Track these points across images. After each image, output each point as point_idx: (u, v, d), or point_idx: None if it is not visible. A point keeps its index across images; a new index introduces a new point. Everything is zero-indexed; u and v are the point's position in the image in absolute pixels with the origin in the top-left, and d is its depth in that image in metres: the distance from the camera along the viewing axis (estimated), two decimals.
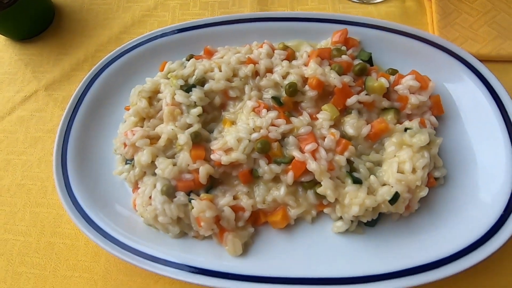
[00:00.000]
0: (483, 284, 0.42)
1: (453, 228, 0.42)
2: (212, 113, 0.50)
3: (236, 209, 0.43)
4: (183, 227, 0.45)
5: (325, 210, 0.44)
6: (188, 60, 0.53)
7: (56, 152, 0.50)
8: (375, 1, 0.62)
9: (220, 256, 0.43)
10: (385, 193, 0.40)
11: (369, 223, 0.43)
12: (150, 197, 0.45)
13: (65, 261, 0.49)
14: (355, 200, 0.40)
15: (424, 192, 0.42)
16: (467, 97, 0.49)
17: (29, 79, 0.64)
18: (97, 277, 0.48)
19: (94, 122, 0.54)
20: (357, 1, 0.62)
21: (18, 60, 0.66)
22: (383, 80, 0.46)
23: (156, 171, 0.45)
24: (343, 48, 0.51)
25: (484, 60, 0.51)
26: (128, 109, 0.52)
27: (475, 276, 0.42)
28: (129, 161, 0.49)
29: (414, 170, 0.42)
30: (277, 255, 0.43)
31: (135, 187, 0.49)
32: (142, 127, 0.49)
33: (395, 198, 0.40)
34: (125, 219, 0.47)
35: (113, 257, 0.48)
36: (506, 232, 0.39)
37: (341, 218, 0.43)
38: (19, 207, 0.53)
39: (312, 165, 0.42)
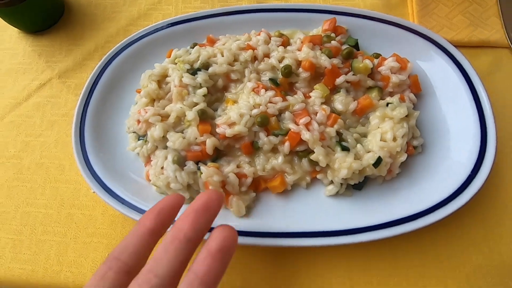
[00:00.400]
0: (455, 234, 0.48)
1: (429, 188, 0.48)
2: (216, 94, 0.56)
3: (239, 176, 0.49)
4: (192, 194, 0.50)
5: (318, 176, 0.50)
6: (193, 48, 0.59)
7: (74, 132, 0.54)
8: None
9: (226, 217, 0.49)
10: (369, 158, 0.46)
11: (357, 186, 0.49)
12: (162, 168, 0.50)
13: (84, 229, 0.54)
14: (343, 164, 0.46)
15: (403, 157, 0.48)
16: (441, 77, 0.55)
17: (43, 68, 0.69)
18: (114, 241, 0.53)
19: (107, 105, 0.59)
20: None
21: (31, 51, 0.71)
22: (367, 62, 0.52)
23: (167, 144, 0.50)
24: (333, 35, 0.57)
25: (457, 45, 0.57)
26: (139, 92, 0.57)
27: (448, 227, 0.49)
28: (141, 137, 0.54)
29: (394, 139, 0.48)
30: (276, 216, 0.49)
31: (148, 161, 0.54)
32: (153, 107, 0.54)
33: (378, 162, 0.46)
34: (140, 189, 0.52)
35: (128, 224, 0.54)
36: (473, 188, 0.46)
37: (332, 182, 0.49)
38: (40, 183, 0.58)
39: (306, 135, 0.47)
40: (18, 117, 0.65)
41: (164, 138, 0.51)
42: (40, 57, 0.70)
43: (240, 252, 0.49)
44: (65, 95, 0.66)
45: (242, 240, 0.46)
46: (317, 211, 0.49)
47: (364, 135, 0.51)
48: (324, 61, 0.52)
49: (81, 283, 0.51)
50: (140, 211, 0.49)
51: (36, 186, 0.58)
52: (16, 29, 0.72)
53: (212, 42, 0.61)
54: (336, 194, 0.49)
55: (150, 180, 0.52)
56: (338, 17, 0.58)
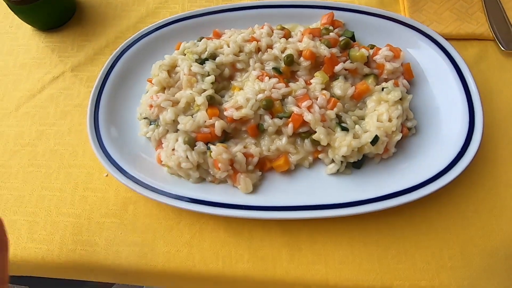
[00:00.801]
0: (446, 208, 0.52)
1: (422, 165, 0.52)
2: (222, 82, 0.60)
3: (246, 155, 0.52)
4: (202, 173, 0.53)
5: (320, 156, 0.54)
6: (200, 41, 0.63)
7: (89, 117, 0.58)
8: None
9: (234, 194, 0.52)
10: (367, 137, 0.50)
11: (356, 164, 0.53)
12: (173, 149, 0.53)
13: (98, 210, 0.57)
14: (343, 143, 0.50)
15: (398, 136, 0.51)
16: (432, 65, 0.59)
17: (56, 63, 0.72)
18: (126, 221, 0.55)
19: (119, 95, 0.62)
20: None
21: (45, 47, 0.75)
22: (363, 51, 0.56)
23: (178, 126, 0.54)
24: (331, 28, 0.61)
25: (446, 38, 0.61)
26: (150, 81, 0.60)
27: (439, 201, 0.52)
28: (152, 122, 0.58)
29: (390, 119, 0.52)
30: (281, 192, 0.52)
31: (159, 145, 0.57)
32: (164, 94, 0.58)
33: (375, 140, 0.50)
34: (152, 170, 0.55)
35: (140, 204, 0.56)
36: (462, 164, 0.49)
37: (333, 161, 0.53)
38: (54, 169, 0.61)
39: (308, 116, 0.51)
40: (32, 108, 0.68)
41: (175, 122, 0.55)
42: (53, 52, 0.74)
43: (248, 225, 0.52)
44: (78, 87, 0.69)
45: (249, 214, 0.49)
46: (318, 187, 0.52)
47: (362, 118, 0.55)
48: (324, 50, 0.56)
49: (95, 261, 0.53)
50: (153, 189, 0.52)
51: (51, 171, 0.61)
52: (30, 26, 0.76)
53: (218, 35, 0.65)
54: (337, 172, 0.53)
55: (161, 162, 0.55)
56: (335, 12, 0.63)
